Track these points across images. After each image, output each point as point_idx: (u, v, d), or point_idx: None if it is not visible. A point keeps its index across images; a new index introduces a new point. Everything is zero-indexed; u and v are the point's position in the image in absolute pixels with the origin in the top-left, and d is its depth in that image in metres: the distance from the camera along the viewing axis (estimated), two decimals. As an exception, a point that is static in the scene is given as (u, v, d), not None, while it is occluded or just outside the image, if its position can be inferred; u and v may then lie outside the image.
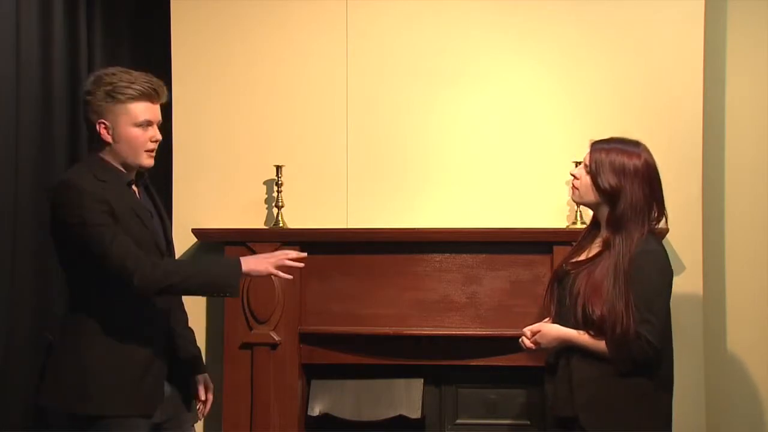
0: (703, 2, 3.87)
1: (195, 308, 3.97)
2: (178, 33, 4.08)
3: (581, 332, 2.91)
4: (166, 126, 4.02)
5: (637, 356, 2.86)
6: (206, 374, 3.11)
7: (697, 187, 3.84)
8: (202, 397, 3.08)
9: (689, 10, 3.86)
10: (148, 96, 2.76)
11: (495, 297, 3.81)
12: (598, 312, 2.87)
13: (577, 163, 3.16)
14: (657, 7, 3.88)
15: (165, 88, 2.82)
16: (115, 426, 2.67)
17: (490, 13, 3.96)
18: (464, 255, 3.84)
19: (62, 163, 3.63)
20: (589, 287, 2.91)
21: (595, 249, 3.02)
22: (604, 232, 3.01)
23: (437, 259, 3.85)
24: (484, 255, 3.83)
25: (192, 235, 3.93)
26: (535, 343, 3.01)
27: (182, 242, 3.98)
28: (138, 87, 2.74)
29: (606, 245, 2.96)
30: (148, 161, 2.80)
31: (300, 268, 2.87)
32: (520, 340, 3.06)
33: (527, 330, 3.04)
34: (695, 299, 3.81)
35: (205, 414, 3.13)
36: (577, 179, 3.03)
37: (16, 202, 3.37)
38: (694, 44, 3.86)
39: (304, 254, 2.86)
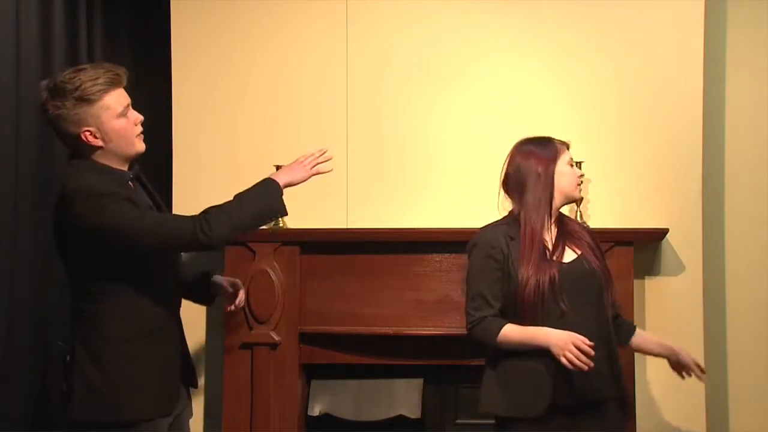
0: (703, 2, 3.87)
1: (195, 308, 3.97)
2: (178, 33, 4.08)
3: None
4: (166, 125, 4.06)
5: None
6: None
7: (697, 187, 3.83)
8: (230, 290, 3.00)
9: (689, 10, 3.86)
10: (115, 83, 2.65)
11: (495, 297, 3.80)
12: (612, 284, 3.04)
13: (578, 163, 3.16)
14: (657, 8, 3.88)
15: (123, 68, 2.70)
16: (144, 429, 2.65)
17: (490, 13, 3.96)
18: (464, 255, 3.82)
19: (62, 163, 3.62)
20: (601, 263, 3.01)
21: (551, 235, 3.03)
22: (555, 222, 3.04)
23: (437, 259, 3.85)
24: (484, 255, 3.82)
25: (192, 235, 3.93)
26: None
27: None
28: (103, 80, 2.62)
29: (568, 224, 3.07)
30: (141, 145, 2.72)
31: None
32: (563, 358, 2.83)
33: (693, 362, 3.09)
34: (695, 299, 3.81)
35: (241, 304, 3.06)
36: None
37: (16, 202, 3.37)
38: (694, 44, 3.86)
39: (325, 149, 2.84)
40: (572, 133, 3.79)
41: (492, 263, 2.98)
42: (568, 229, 3.03)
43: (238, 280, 3.06)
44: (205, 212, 2.66)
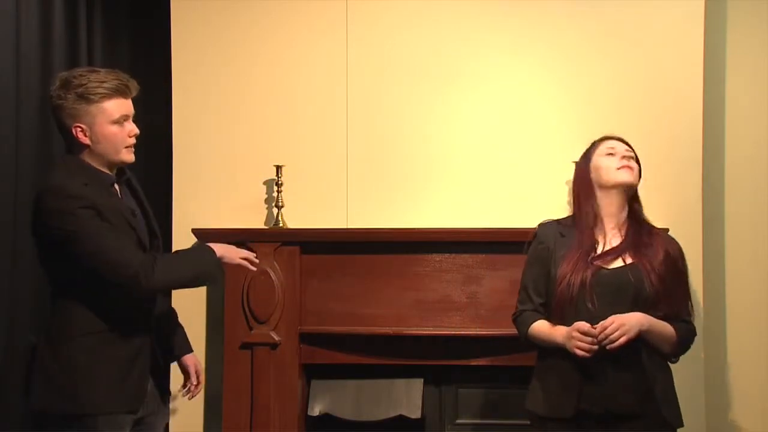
0: (703, 2, 3.87)
1: (195, 308, 3.99)
2: (178, 33, 4.08)
3: (651, 318, 2.88)
4: (166, 126, 4.06)
5: (691, 344, 2.99)
6: (193, 353, 3.13)
7: (697, 187, 3.84)
8: (194, 381, 3.09)
9: (689, 10, 3.86)
10: (120, 92, 2.75)
11: (495, 297, 3.81)
12: (671, 302, 2.91)
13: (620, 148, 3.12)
14: (657, 7, 3.88)
15: (134, 81, 2.81)
16: (103, 423, 2.70)
17: (490, 13, 3.96)
18: (464, 255, 3.84)
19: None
20: (662, 281, 2.91)
21: (617, 239, 2.98)
22: (621, 221, 3.00)
23: (437, 259, 3.85)
24: (484, 255, 3.83)
25: (192, 235, 3.93)
26: (614, 338, 2.80)
27: (182, 242, 3.99)
28: (109, 85, 2.73)
29: (645, 234, 2.99)
30: (128, 156, 2.80)
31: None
32: (575, 349, 2.83)
33: (589, 327, 2.81)
34: (695, 299, 3.80)
35: (194, 396, 3.13)
36: (636, 161, 3.07)
37: (16, 202, 3.37)
38: (694, 44, 3.86)
39: (257, 261, 3.01)
40: (572, 133, 3.82)
41: (538, 258, 3.06)
42: (636, 239, 2.96)
43: (201, 372, 3.12)
44: (153, 258, 2.73)
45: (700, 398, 3.78)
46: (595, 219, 3.02)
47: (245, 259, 2.92)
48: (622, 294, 2.91)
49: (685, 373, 3.74)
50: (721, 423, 4.00)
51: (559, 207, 3.86)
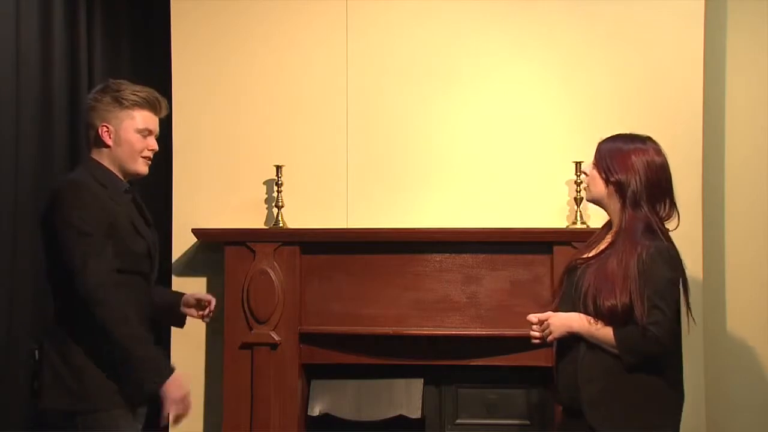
0: (703, 2, 3.87)
1: (195, 308, 3.98)
2: (178, 33, 4.08)
3: (592, 320, 2.83)
4: (166, 126, 4.05)
5: (645, 351, 2.83)
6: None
7: (697, 187, 3.84)
8: (207, 298, 3.14)
9: (689, 10, 3.86)
10: (151, 106, 2.92)
11: (495, 297, 3.81)
12: (607, 304, 2.81)
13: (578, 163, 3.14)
14: (657, 7, 3.89)
15: (166, 102, 2.98)
16: (110, 419, 2.76)
17: (490, 13, 3.96)
18: (464, 255, 3.84)
19: (62, 163, 3.64)
20: (599, 280, 2.85)
21: (603, 245, 2.99)
22: (614, 227, 2.98)
23: (437, 259, 3.86)
24: (484, 255, 3.83)
25: (192, 235, 3.94)
26: (544, 333, 2.88)
27: (182, 242, 4.00)
28: (143, 95, 2.90)
29: (615, 238, 2.92)
30: (143, 168, 2.93)
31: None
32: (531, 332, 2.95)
33: (534, 317, 2.94)
34: (695, 299, 3.79)
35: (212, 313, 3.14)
36: (587, 176, 3.01)
37: (16, 202, 3.37)
38: (694, 44, 3.86)
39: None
40: (572, 133, 3.82)
41: None
42: (609, 247, 2.94)
43: (209, 296, 3.16)
44: (115, 289, 2.71)
45: (700, 398, 3.78)
46: (611, 223, 3.05)
47: (180, 406, 2.76)
48: (572, 293, 2.93)
49: (685, 373, 3.74)
50: (721, 424, 4.00)
51: (559, 207, 3.87)
